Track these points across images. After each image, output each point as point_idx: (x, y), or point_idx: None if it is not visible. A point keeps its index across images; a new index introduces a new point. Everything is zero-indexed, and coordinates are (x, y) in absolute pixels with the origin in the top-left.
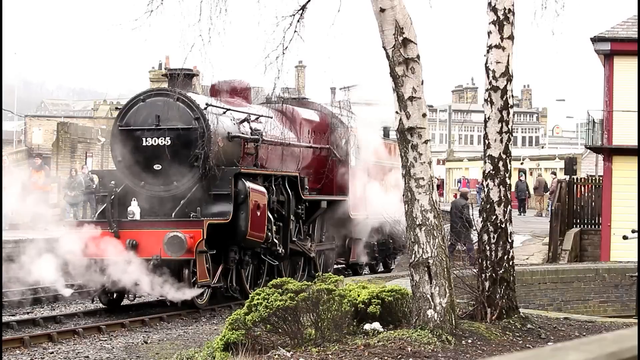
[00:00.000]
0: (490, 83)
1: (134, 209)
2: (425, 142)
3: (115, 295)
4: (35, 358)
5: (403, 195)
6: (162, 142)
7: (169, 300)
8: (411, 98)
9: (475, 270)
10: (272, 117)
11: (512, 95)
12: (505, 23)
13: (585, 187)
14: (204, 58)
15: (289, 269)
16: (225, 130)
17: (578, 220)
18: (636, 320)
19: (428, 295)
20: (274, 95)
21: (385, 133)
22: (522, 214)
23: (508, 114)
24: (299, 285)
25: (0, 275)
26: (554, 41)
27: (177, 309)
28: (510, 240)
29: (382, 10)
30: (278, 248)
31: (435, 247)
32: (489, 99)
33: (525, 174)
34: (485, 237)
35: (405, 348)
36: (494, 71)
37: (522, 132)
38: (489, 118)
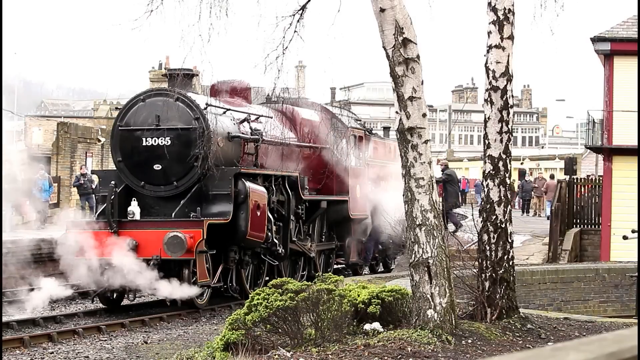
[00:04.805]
0: (490, 83)
1: (134, 209)
2: (425, 142)
3: (115, 295)
4: (35, 358)
5: (403, 195)
6: (162, 142)
7: (169, 300)
8: (411, 98)
9: (475, 270)
10: (272, 117)
11: (512, 95)
12: (505, 23)
13: (585, 187)
14: (203, 58)
15: (289, 269)
16: (225, 130)
17: (578, 220)
18: (636, 320)
19: (428, 295)
20: (274, 95)
21: (385, 133)
22: (525, 214)
23: (508, 114)
24: (299, 285)
25: (0, 275)
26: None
27: (177, 309)
28: (510, 240)
29: (382, 10)
30: (278, 248)
31: (435, 247)
32: (489, 99)
33: (525, 174)
34: (485, 237)
35: (405, 348)
36: (494, 71)
37: (522, 132)
38: (489, 118)
